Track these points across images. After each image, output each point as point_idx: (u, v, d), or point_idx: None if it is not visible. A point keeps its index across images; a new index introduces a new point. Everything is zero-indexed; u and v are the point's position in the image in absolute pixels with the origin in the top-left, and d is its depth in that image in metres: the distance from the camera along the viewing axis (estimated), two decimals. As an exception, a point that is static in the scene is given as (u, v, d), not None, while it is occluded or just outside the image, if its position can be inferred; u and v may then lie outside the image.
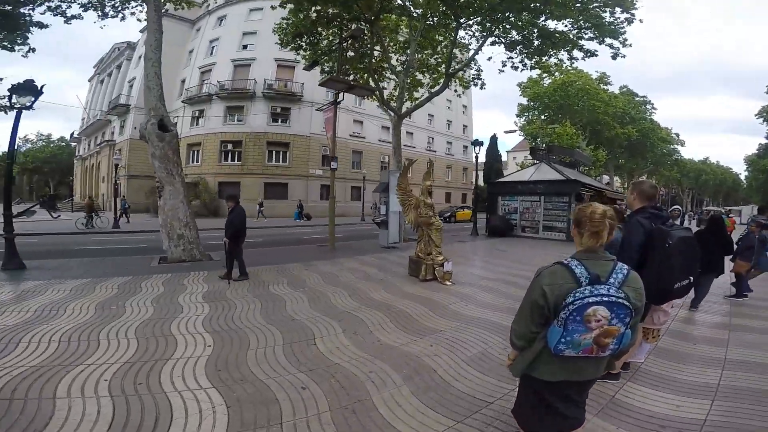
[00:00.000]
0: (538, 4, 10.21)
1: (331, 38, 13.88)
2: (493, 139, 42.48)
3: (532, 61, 13.96)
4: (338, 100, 12.15)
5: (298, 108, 28.30)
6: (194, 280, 6.68)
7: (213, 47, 30.15)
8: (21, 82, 10.60)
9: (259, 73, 27.61)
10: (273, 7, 13.97)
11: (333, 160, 11.82)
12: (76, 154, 48.52)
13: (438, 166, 40.39)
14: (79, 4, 12.04)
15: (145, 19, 10.67)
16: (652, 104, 39.27)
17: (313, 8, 12.43)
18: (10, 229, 8.08)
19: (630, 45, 12.02)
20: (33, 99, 10.49)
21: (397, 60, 15.89)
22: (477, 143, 17.90)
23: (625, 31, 11.93)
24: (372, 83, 14.13)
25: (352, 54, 14.07)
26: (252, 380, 3.04)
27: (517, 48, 13.39)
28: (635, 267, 2.51)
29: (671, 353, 3.77)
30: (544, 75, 29.56)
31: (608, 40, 12.07)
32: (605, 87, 32.71)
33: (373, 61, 14.80)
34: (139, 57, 34.20)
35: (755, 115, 34.82)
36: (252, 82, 27.41)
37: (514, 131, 30.69)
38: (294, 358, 3.48)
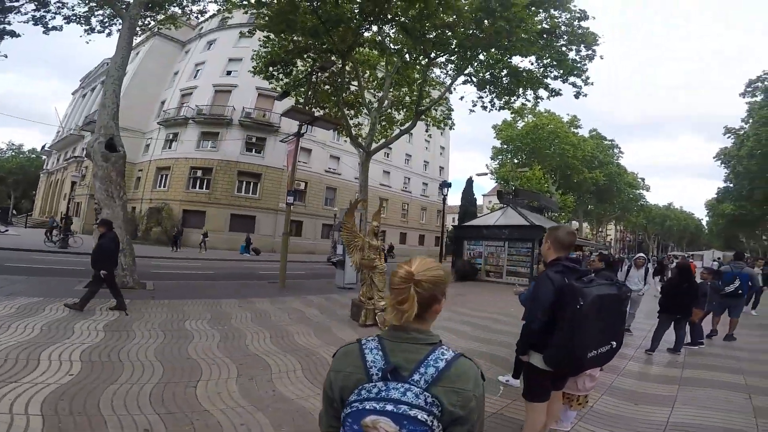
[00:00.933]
0: (505, 42, 10.63)
1: (304, 69, 14.06)
2: (469, 182, 43.41)
3: (501, 101, 14.48)
4: (301, 132, 12.02)
5: (274, 139, 28.23)
6: (108, 307, 6.00)
7: (198, 70, 30.24)
8: None
9: (238, 100, 27.66)
10: (247, 34, 14.09)
11: (289, 194, 11.51)
12: (44, 167, 46.55)
13: (413, 207, 40.77)
14: (62, 16, 11.91)
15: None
16: (620, 148, 41.06)
17: (286, 38, 12.62)
18: None
19: (592, 83, 12.73)
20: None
21: (374, 96, 16.19)
22: (445, 185, 18.11)
23: (587, 69, 12.67)
24: (344, 118, 14.19)
25: (327, 87, 14.24)
26: (92, 414, 2.67)
27: (487, 87, 13.88)
28: (543, 330, 2.21)
29: (604, 417, 3.38)
30: (518, 118, 31.14)
31: (572, 79, 12.72)
32: (575, 130, 34.15)
33: (348, 95, 15.03)
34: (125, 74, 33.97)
35: (713, 158, 33.57)
36: (230, 108, 27.36)
37: (485, 174, 31.49)
38: (160, 398, 3.00)
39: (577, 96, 12.95)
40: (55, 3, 11.00)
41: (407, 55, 12.86)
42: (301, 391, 3.48)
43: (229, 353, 4.35)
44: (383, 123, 17.26)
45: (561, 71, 12.47)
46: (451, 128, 17.51)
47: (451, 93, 16.67)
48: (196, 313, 6.32)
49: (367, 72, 16.08)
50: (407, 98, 16.51)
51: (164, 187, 28.31)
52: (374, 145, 14.98)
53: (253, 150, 28.01)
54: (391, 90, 16.24)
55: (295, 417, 2.95)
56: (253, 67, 14.22)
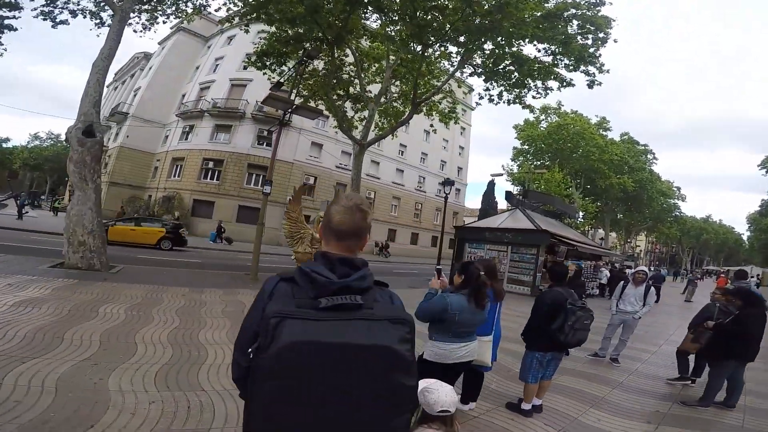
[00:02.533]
0: (504, 24, 9.68)
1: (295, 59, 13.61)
2: (490, 185, 41.86)
3: (512, 95, 13.43)
4: (284, 120, 11.58)
5: (285, 133, 28.10)
6: (55, 285, 6.22)
7: (217, 65, 30.68)
8: None
9: (252, 94, 27.69)
10: (243, 29, 13.75)
11: (267, 183, 11.09)
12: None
13: (427, 208, 39.77)
14: (68, 10, 11.96)
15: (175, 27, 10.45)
16: (654, 154, 38.11)
17: (278, 28, 12.22)
18: None
19: (607, 71, 11.52)
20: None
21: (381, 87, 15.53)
22: (448, 183, 17.16)
23: (600, 54, 11.48)
24: (334, 109, 13.63)
25: (322, 77, 13.72)
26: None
27: (494, 79, 12.89)
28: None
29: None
30: (541, 117, 29.56)
31: (584, 67, 11.58)
32: (604, 133, 32.05)
33: (342, 84, 14.47)
34: (150, 68, 35.08)
35: (758, 166, 31.86)
36: (244, 102, 27.51)
37: (501, 174, 30.02)
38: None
39: (590, 85, 11.78)
40: None
41: (400, 43, 12.08)
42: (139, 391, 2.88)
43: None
44: (389, 117, 16.58)
45: (572, 59, 11.36)
46: (456, 122, 16.56)
47: (460, 86, 15.81)
48: (133, 297, 6.11)
49: (374, 65, 15.47)
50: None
51: (178, 177, 28.86)
52: (370, 138, 14.27)
53: (264, 143, 28.00)
54: (395, 82, 15.55)
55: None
56: (246, 58, 13.92)
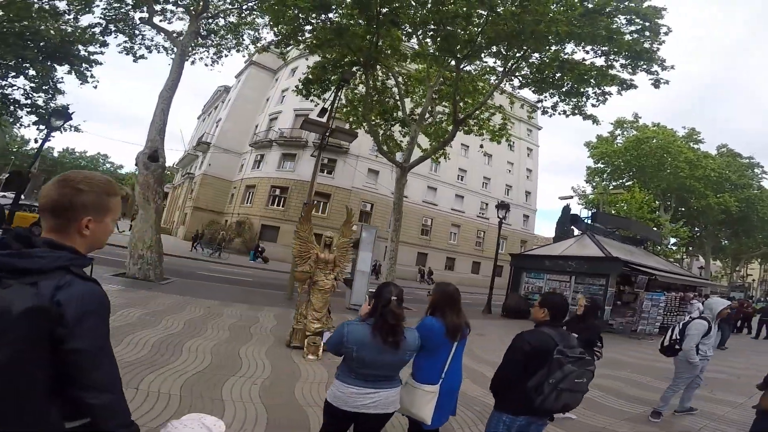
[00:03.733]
0: (538, 28, 8.87)
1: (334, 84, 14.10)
2: (565, 210, 38.45)
3: (570, 105, 12.22)
4: (323, 143, 11.84)
5: (344, 161, 29.19)
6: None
7: (283, 96, 33.30)
8: (57, 107, 12.27)
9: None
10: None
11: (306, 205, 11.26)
12: (171, 183, 56.21)
13: (491, 236, 37.57)
14: (144, 46, 13.70)
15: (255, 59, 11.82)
16: (763, 168, 31.52)
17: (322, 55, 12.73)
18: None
19: (672, 67, 9.92)
20: (63, 121, 11.97)
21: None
22: (502, 206, 15.96)
23: (658, 49, 9.94)
24: (373, 132, 13.65)
25: (363, 99, 13.93)
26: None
27: (545, 90, 11.86)
28: None
29: None
30: (616, 132, 26.58)
31: (644, 65, 10.14)
32: (696, 146, 27.56)
33: (386, 106, 14.53)
34: (229, 100, 39.47)
35: None
36: (306, 132, 29.25)
37: (571, 198, 27.22)
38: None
39: (656, 85, 10.22)
40: (137, 36, 12.84)
41: (432, 59, 11.75)
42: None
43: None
44: (438, 139, 16.18)
45: (627, 59, 10.00)
46: (507, 140, 15.54)
47: (513, 102, 14.94)
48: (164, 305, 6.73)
49: (420, 87, 15.40)
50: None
51: (249, 203, 31.26)
52: (411, 161, 13.94)
53: (325, 171, 29.26)
54: (440, 102, 15.21)
55: None
56: (295, 87, 14.75)
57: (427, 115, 14.86)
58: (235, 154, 35.66)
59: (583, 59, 10.71)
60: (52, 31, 11.95)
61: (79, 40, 12.40)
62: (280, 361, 4.78)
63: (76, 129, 13.69)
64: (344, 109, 14.82)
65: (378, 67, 13.01)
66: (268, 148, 31.17)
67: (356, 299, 10.20)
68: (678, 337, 4.61)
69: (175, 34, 12.00)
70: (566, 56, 10.67)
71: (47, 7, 11.51)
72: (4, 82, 12.27)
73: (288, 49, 12.91)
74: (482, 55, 11.36)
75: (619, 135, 25.91)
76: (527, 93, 13.32)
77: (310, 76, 13.44)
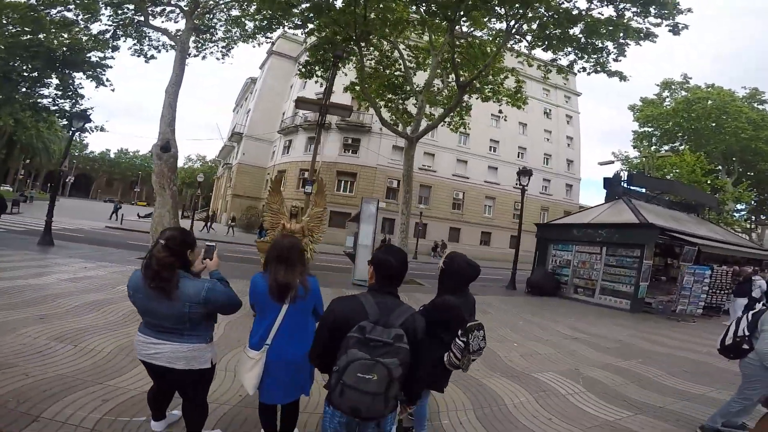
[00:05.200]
0: None
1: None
2: (616, 178, 35.31)
3: (589, 63, 10.93)
4: (322, 122, 11.57)
5: (368, 139, 28.82)
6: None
7: (305, 82, 33.27)
8: (77, 111, 13.02)
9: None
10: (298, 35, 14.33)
11: (309, 183, 11.18)
12: (215, 174, 59.33)
13: (530, 208, 35.60)
14: (153, 47, 14.19)
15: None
16: None
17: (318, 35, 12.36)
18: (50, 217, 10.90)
19: (689, 10, 8.49)
20: (82, 123, 12.72)
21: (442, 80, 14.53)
22: (524, 172, 14.83)
23: None
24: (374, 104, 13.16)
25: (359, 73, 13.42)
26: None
27: (556, 47, 10.64)
28: None
29: None
30: (664, 94, 23.77)
31: (657, 10, 8.78)
32: (761, 107, 23.97)
33: (391, 78, 13.93)
34: (256, 91, 40.25)
35: None
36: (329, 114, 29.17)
37: (611, 163, 24.75)
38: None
39: (675, 32, 8.73)
40: (145, 38, 13.19)
41: (426, 22, 10.85)
42: None
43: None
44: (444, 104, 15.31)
45: (638, 6, 8.59)
46: (524, 104, 14.31)
47: (531, 65, 13.67)
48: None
49: (426, 57, 14.60)
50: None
51: (282, 187, 32.02)
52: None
53: (350, 151, 29.14)
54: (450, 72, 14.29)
55: None
56: (298, 70, 14.53)
57: (439, 85, 14.06)
58: (266, 142, 36.54)
59: (589, 9, 9.39)
60: (55, 42, 12.55)
61: (88, 47, 12.96)
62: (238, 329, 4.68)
63: (101, 129, 14.56)
64: (354, 87, 14.42)
65: (379, 40, 12.38)
66: (294, 133, 31.55)
67: (360, 275, 10.03)
68: (747, 332, 3.22)
69: (175, 33, 12.13)
70: (569, 7, 9.38)
71: (57, 18, 12.05)
72: (32, 92, 13.19)
73: (276, 34, 12.60)
74: (477, 13, 10.30)
75: (668, 97, 23.08)
76: (543, 55, 12.00)
77: (308, 59, 13.14)
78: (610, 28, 9.37)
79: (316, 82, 14.25)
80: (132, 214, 31.67)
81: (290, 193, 30.62)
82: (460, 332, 2.21)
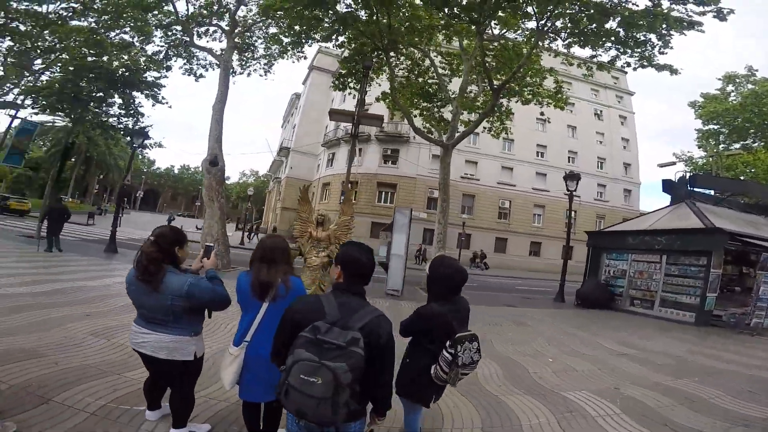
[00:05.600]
0: None
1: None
2: (681, 182, 32.07)
3: (633, 57, 10.15)
4: (356, 132, 11.73)
5: (407, 149, 28.86)
6: None
7: (344, 95, 34.28)
8: (137, 128, 14.38)
9: None
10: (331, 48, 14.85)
11: (344, 194, 11.42)
12: (267, 189, 62.55)
13: (583, 216, 33.38)
14: (200, 66, 14.91)
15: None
16: None
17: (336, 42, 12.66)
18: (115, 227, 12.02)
19: None
20: (142, 140, 14.00)
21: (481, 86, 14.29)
22: (571, 176, 13.98)
23: None
24: (407, 114, 13.15)
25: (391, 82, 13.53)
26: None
27: (594, 43, 9.98)
28: None
29: None
30: (728, 88, 21.36)
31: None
32: None
33: (423, 85, 13.90)
34: (300, 106, 42.02)
35: None
36: (368, 126, 29.66)
37: (673, 164, 22.37)
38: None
39: (720, 17, 7.77)
40: (193, 58, 14.37)
41: (447, 28, 10.68)
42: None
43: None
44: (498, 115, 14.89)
45: None
46: (565, 105, 13.54)
47: (572, 64, 13.04)
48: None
49: (446, 61, 14.49)
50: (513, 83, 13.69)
51: (326, 200, 32.98)
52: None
53: (389, 162, 29.35)
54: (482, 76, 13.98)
55: None
56: (332, 83, 14.95)
57: (474, 90, 13.81)
58: (312, 156, 37.92)
59: (623, 1, 8.71)
60: (116, 63, 14.02)
61: (145, 67, 14.36)
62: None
63: (160, 145, 15.94)
64: (386, 99, 14.56)
65: (407, 48, 12.44)
66: (337, 146, 32.44)
67: (393, 284, 9.92)
68: None
69: (219, 52, 13.08)
70: (602, 0, 8.76)
71: (117, 40, 13.54)
72: (100, 111, 14.84)
73: (314, 49, 13.15)
74: (508, 14, 9.94)
75: (732, 91, 20.69)
76: (582, 53, 11.33)
77: (341, 71, 13.50)
78: (649, 19, 8.61)
79: (350, 93, 14.55)
80: (191, 226, 34.16)
81: (335, 204, 31.41)
82: (448, 343, 2.02)
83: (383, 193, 29.37)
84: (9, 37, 12.63)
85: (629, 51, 9.93)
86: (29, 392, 2.63)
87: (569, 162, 33.25)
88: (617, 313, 11.25)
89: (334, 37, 11.46)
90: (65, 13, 12.82)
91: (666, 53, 9.67)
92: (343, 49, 12.81)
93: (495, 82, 11.27)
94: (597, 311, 11.28)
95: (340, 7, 10.32)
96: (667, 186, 13.95)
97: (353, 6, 10.36)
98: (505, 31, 11.90)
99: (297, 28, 10.99)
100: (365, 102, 13.82)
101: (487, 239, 30.42)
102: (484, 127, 15.36)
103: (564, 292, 12.95)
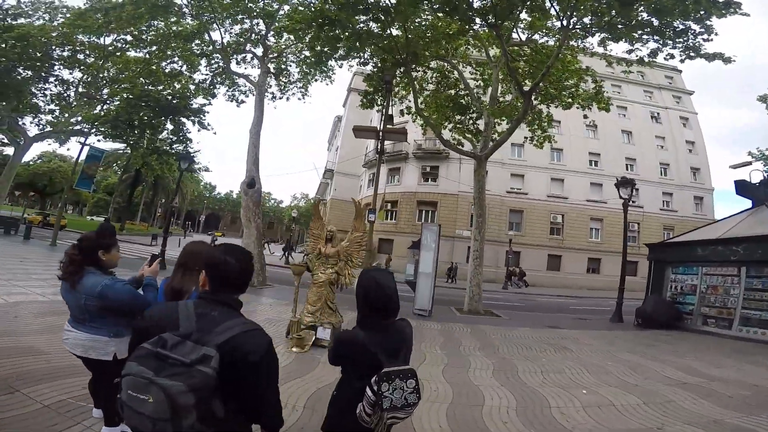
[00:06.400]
0: None
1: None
2: (763, 185, 28.11)
3: (677, 48, 9.10)
4: (381, 148, 11.69)
5: (446, 166, 28.32)
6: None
7: (382, 113, 34.89)
8: (183, 153, 15.52)
9: (411, 134, 29.65)
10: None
11: (371, 212, 11.26)
12: (319, 210, 64.79)
13: (650, 227, 30.21)
14: (241, 92, 15.78)
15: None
16: None
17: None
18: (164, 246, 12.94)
19: None
20: (188, 164, 15.04)
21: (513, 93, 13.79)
22: (624, 183, 12.69)
23: None
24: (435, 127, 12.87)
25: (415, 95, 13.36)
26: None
27: (627, 36, 9.10)
28: None
29: None
30: None
31: None
32: None
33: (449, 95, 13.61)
34: (342, 128, 43.19)
35: None
36: (405, 144, 29.64)
37: (748, 164, 19.35)
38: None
39: None
40: (235, 84, 15.41)
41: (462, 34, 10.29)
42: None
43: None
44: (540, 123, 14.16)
45: None
46: (608, 104, 12.41)
47: (611, 63, 12.02)
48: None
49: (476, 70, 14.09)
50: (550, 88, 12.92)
51: (367, 222, 33.24)
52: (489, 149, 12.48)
53: (429, 179, 28.96)
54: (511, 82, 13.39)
55: None
56: (360, 101, 15.14)
57: (507, 98, 13.28)
58: (354, 176, 38.66)
59: None
60: (167, 91, 15.42)
61: (193, 94, 15.68)
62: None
63: (206, 169, 17.08)
64: (410, 113, 14.47)
65: (426, 59, 12.30)
66: (376, 166, 32.73)
67: (420, 304, 9.41)
68: None
69: (255, 78, 13.86)
70: None
71: (168, 70, 14.98)
72: (154, 137, 16.34)
73: (338, 68, 13.55)
74: (533, 16, 9.40)
75: None
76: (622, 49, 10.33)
77: (368, 88, 13.64)
78: (686, 3, 7.65)
79: (378, 110, 14.62)
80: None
81: (376, 224, 31.42)
82: (374, 379, 1.60)
83: (423, 211, 28.90)
84: (79, 69, 14.43)
85: (670, 42, 8.94)
86: (8, 383, 2.82)
87: (627, 170, 30.51)
88: (686, 334, 9.72)
89: (352, 55, 11.64)
90: (121, 45, 14.45)
91: (711, 40, 8.56)
92: (367, 67, 12.99)
93: (525, 88, 10.66)
94: (661, 332, 9.84)
95: (352, 24, 10.49)
96: (742, 188, 12.12)
97: (363, 22, 10.43)
98: (531, 34, 11.37)
99: (318, 48, 11.30)
100: (393, 118, 13.77)
101: (538, 257, 28.56)
102: (525, 137, 14.62)
103: (622, 311, 11.54)
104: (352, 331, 1.73)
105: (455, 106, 14.19)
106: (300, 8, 10.98)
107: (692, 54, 8.95)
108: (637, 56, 9.80)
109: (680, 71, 34.60)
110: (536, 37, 11.79)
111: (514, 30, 10.78)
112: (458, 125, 14.66)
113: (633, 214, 30.40)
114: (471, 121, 14.69)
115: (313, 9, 10.15)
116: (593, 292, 24.87)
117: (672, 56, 9.28)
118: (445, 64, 13.24)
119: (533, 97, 13.04)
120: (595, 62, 13.39)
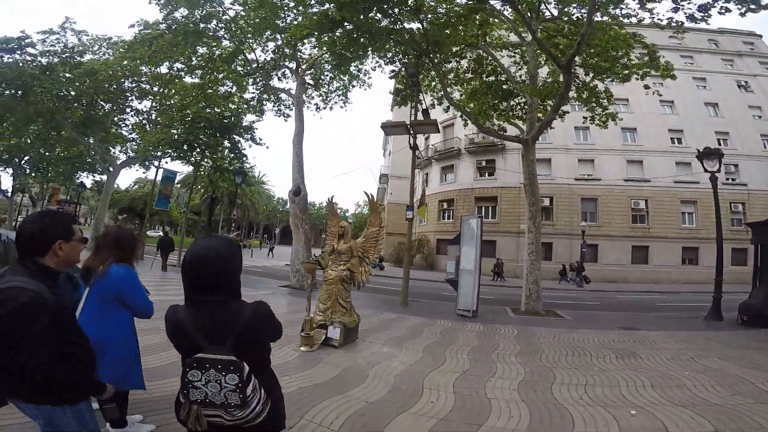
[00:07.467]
0: None
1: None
2: None
3: (731, 2, 7.37)
4: (414, 144, 11.29)
5: (503, 158, 26.70)
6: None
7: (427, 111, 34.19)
8: (237, 168, 16.54)
9: (460, 129, 28.51)
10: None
11: (409, 209, 10.92)
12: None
13: (756, 205, 25.49)
14: (284, 105, 16.54)
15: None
16: None
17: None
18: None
19: None
20: (242, 178, 15.91)
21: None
22: (707, 154, 10.85)
23: None
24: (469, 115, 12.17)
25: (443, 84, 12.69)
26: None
27: None
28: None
29: None
30: None
31: None
32: None
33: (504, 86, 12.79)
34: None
35: None
36: (457, 140, 28.62)
37: None
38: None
39: None
40: (280, 99, 16.16)
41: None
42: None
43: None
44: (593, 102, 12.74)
45: None
46: (671, 71, 10.58)
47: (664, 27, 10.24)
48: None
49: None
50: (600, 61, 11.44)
51: (425, 222, 32.67)
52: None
53: (486, 174, 27.62)
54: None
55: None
56: (393, 101, 14.92)
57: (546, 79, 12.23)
58: (408, 179, 38.40)
59: None
60: (223, 111, 16.63)
61: (244, 113, 16.79)
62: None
63: (262, 182, 18.11)
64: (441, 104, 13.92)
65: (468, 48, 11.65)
66: (429, 165, 32.18)
67: (464, 303, 8.75)
68: None
69: (293, 91, 14.34)
70: None
71: (222, 91, 16.21)
72: (213, 155, 17.73)
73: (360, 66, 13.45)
74: None
75: None
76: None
77: (399, 86, 13.34)
78: None
79: (412, 107, 14.20)
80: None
81: (432, 225, 30.78)
82: (185, 363, 1.32)
83: (483, 207, 27.55)
84: (147, 98, 16.14)
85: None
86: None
87: (721, 144, 26.12)
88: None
89: (370, 53, 11.43)
90: (175, 72, 15.93)
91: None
92: (394, 65, 12.70)
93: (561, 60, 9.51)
94: (769, 331, 7.97)
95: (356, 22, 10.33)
96: None
97: (370, 19, 10.15)
98: (563, 7, 10.19)
99: (337, 51, 11.27)
100: (428, 113, 13.25)
101: (619, 249, 25.59)
102: (584, 117, 13.21)
103: (721, 307, 9.65)
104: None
105: (498, 93, 13.28)
106: (309, 12, 11.17)
107: (752, 5, 7.17)
108: (686, 14, 8.15)
109: (760, 35, 29.81)
110: (573, 11, 10.59)
111: (542, 4, 9.74)
112: (503, 112, 13.70)
113: (735, 194, 25.93)
114: (519, 107, 13.63)
115: (318, 13, 10.23)
116: (690, 287, 21.54)
117: (728, 10, 7.53)
118: (481, 51, 12.46)
119: (581, 71, 11.70)
120: (646, 31, 11.63)
